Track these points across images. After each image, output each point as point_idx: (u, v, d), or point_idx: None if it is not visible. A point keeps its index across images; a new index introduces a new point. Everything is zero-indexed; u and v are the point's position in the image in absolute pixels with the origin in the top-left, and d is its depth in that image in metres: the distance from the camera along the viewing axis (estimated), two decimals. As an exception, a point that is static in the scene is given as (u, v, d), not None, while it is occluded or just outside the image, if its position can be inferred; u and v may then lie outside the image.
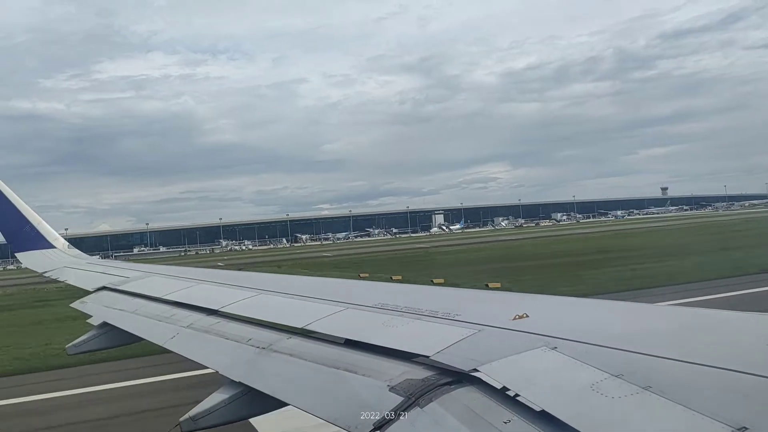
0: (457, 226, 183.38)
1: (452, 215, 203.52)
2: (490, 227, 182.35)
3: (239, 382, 3.73)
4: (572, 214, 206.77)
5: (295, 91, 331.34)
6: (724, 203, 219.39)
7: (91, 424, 12.77)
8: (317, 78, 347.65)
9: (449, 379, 2.75)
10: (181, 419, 3.69)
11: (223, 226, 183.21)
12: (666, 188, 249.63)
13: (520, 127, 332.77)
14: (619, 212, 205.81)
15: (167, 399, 13.04)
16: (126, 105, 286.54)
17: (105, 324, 6.42)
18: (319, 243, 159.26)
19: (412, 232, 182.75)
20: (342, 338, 3.73)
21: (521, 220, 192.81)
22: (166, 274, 8.05)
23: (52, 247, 11.79)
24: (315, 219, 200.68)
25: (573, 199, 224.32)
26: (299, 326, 4.09)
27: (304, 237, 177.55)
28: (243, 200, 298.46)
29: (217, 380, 4.02)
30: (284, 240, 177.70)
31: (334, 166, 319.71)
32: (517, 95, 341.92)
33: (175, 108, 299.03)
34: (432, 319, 3.54)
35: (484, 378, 2.63)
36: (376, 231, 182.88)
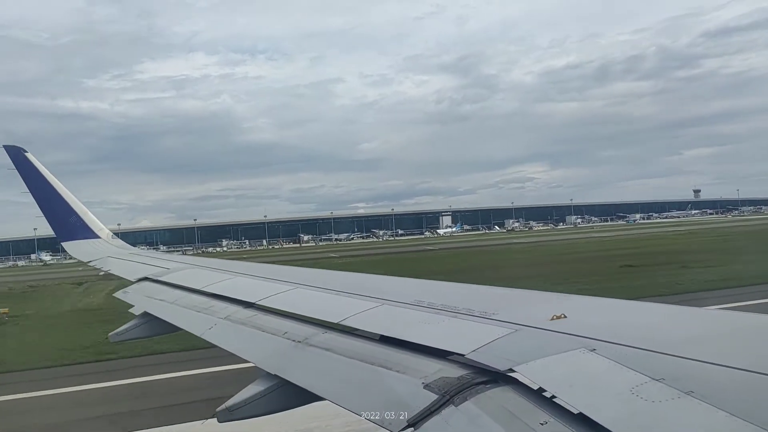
0: (452, 229, 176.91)
1: (462, 216, 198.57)
2: (497, 229, 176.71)
3: (275, 375, 3.76)
4: (586, 217, 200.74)
5: (332, 91, 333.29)
6: (752, 207, 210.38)
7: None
8: (354, 77, 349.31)
9: (485, 379, 2.73)
10: (218, 409, 3.75)
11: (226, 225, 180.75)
12: (699, 190, 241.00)
13: (559, 127, 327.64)
14: (637, 216, 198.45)
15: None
16: (167, 104, 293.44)
17: (146, 314, 6.58)
18: (297, 245, 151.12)
19: (420, 234, 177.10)
20: (377, 334, 3.74)
21: (514, 224, 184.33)
22: (205, 266, 8.20)
23: (96, 237, 12.12)
24: (315, 219, 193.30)
25: (591, 201, 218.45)
26: (335, 321, 4.12)
27: (305, 237, 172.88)
28: (280, 198, 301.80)
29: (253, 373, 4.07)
30: (264, 242, 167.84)
31: (370, 165, 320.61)
32: (556, 95, 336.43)
33: (214, 107, 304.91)
34: (468, 318, 3.53)
35: (521, 378, 2.60)
36: (381, 232, 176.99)
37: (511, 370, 2.66)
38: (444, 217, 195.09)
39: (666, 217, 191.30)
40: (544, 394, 2.47)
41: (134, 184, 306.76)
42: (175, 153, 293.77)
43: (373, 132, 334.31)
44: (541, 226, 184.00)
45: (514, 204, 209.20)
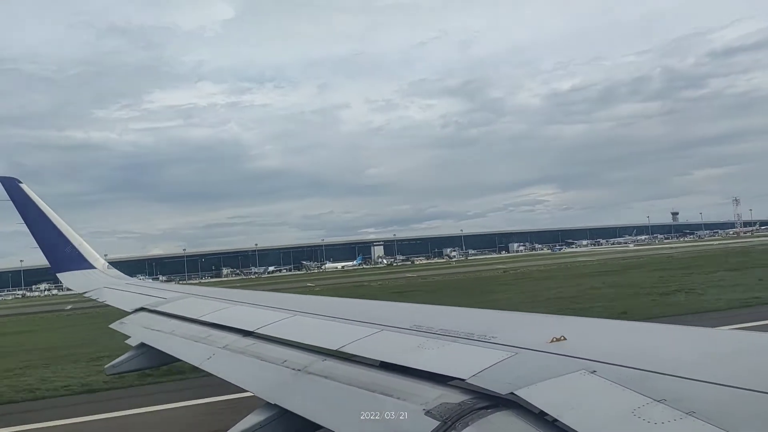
0: (352, 263, 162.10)
1: (396, 246, 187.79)
2: (444, 258, 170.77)
3: (274, 404, 3.74)
4: (527, 244, 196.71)
5: (338, 117, 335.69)
6: (708, 231, 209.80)
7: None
8: (360, 103, 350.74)
9: (486, 403, 2.72)
10: None
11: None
12: (677, 213, 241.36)
13: (568, 149, 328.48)
14: (584, 242, 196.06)
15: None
16: (175, 133, 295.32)
17: (143, 344, 6.53)
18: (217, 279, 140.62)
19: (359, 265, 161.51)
20: (377, 360, 3.72)
21: (452, 252, 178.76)
22: (202, 295, 8.16)
23: (92, 267, 12.06)
24: (236, 252, 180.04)
25: (533, 228, 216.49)
26: (334, 348, 4.10)
27: (225, 271, 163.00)
28: (289, 225, 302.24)
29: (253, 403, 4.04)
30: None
31: (378, 190, 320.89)
32: (563, 117, 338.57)
33: (221, 135, 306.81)
34: (468, 342, 3.51)
35: (522, 402, 2.59)
36: (311, 264, 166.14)
37: (513, 394, 2.64)
38: (375, 247, 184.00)
39: (612, 244, 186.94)
40: (545, 417, 2.46)
41: (144, 213, 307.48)
42: (184, 181, 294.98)
43: (381, 157, 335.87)
44: (481, 253, 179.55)
45: (462, 232, 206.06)
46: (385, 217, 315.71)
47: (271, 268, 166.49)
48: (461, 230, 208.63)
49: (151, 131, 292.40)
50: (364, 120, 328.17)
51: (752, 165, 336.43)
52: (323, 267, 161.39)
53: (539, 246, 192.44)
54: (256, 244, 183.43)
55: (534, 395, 2.57)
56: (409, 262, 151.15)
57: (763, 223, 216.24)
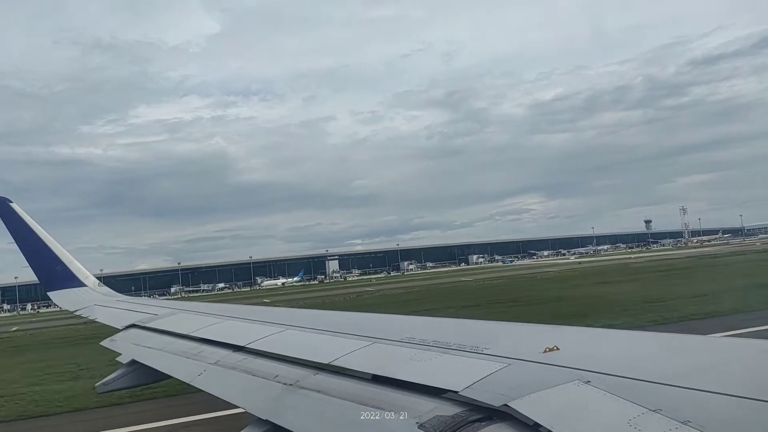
0: (293, 279, 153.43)
1: (354, 260, 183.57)
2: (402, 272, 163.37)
3: (266, 420, 3.69)
4: (485, 256, 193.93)
5: (323, 129, 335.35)
6: (671, 240, 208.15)
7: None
8: (345, 115, 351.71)
9: (480, 416, 2.69)
10: None
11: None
12: (649, 221, 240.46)
13: (553, 158, 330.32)
14: (545, 253, 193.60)
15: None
16: (161, 148, 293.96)
17: (134, 362, 6.46)
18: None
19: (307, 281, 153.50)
20: (369, 374, 3.69)
21: (410, 266, 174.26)
22: (193, 311, 8.10)
23: (83, 285, 11.99)
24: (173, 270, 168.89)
25: (494, 239, 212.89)
26: (326, 362, 4.06)
27: (173, 288, 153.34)
28: (275, 237, 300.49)
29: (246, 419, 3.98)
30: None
31: (365, 201, 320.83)
32: (547, 126, 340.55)
33: (207, 149, 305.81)
34: (460, 353, 3.49)
35: (516, 414, 2.56)
36: (260, 280, 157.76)
37: (506, 406, 2.62)
38: (330, 262, 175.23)
39: (573, 254, 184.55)
40: (540, 429, 2.43)
41: (131, 228, 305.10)
42: (171, 195, 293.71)
43: (367, 169, 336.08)
44: (442, 266, 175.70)
45: (422, 245, 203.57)
46: (372, 228, 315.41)
47: (220, 285, 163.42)
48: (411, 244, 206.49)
49: (137, 146, 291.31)
50: (349, 132, 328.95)
51: (735, 172, 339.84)
52: (262, 284, 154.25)
53: (499, 258, 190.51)
54: (178, 263, 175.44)
55: (528, 407, 2.54)
56: (366, 277, 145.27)
57: (726, 231, 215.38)
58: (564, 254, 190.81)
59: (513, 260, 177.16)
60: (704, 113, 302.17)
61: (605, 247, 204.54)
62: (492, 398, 2.72)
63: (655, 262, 76.43)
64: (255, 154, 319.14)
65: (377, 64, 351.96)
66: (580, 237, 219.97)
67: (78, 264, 12.37)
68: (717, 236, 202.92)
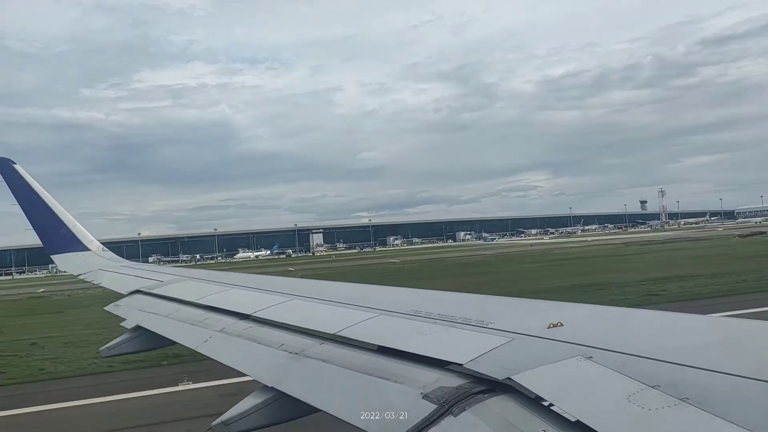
0: (266, 252, 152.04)
1: (338, 234, 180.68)
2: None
3: (271, 387, 3.76)
4: (473, 233, 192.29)
5: (331, 100, 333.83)
6: (658, 221, 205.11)
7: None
8: (353, 86, 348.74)
9: (483, 388, 2.74)
10: (213, 423, 3.74)
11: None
12: (645, 201, 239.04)
13: (561, 135, 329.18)
14: (533, 231, 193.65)
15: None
16: (164, 114, 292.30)
17: (138, 327, 6.53)
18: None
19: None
20: (375, 345, 3.74)
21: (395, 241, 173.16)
22: (198, 278, 8.16)
23: (87, 249, 12.01)
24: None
25: (484, 216, 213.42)
26: (332, 332, 4.11)
27: None
28: (281, 208, 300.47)
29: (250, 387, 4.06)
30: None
31: (371, 174, 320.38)
32: (556, 103, 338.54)
33: (212, 117, 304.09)
34: (465, 327, 3.54)
35: (518, 387, 2.62)
36: (242, 251, 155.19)
37: (509, 379, 2.67)
38: (314, 235, 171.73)
39: (561, 233, 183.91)
40: (542, 402, 2.49)
41: (134, 195, 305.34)
42: (175, 163, 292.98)
43: (374, 141, 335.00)
44: (424, 243, 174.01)
45: (409, 220, 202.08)
46: (378, 201, 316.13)
47: (198, 256, 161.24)
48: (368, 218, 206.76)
49: (140, 111, 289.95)
50: (357, 103, 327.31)
51: (742, 153, 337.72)
52: (234, 256, 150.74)
53: (486, 235, 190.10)
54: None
55: (530, 380, 2.60)
56: (355, 250, 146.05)
57: (714, 213, 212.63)
58: (552, 233, 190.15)
59: (495, 239, 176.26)
60: (713, 94, 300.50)
61: (593, 227, 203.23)
62: (495, 371, 2.77)
63: (581, 249, 78.41)
64: (261, 123, 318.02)
65: (386, 34, 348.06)
66: (573, 216, 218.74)
67: (82, 228, 12.38)
68: (705, 218, 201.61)
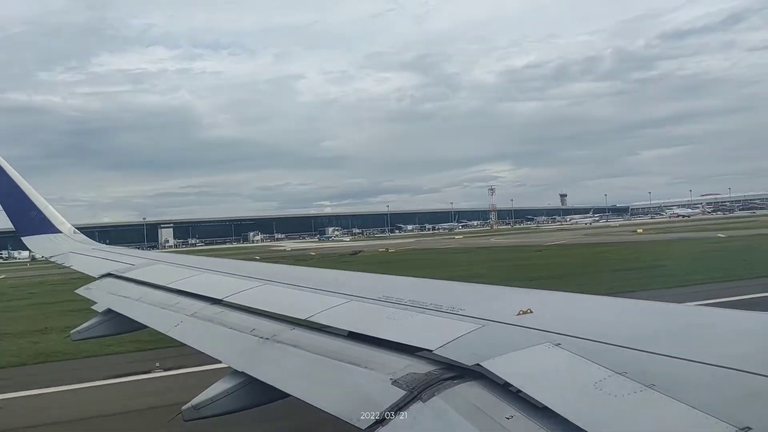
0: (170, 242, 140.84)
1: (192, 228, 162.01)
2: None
3: (242, 372, 3.74)
4: (341, 228, 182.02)
5: (293, 87, 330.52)
6: (544, 218, 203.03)
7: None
8: (315, 74, 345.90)
9: (452, 374, 2.76)
10: (183, 408, 3.71)
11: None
12: (564, 195, 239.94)
13: (522, 126, 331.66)
14: (409, 227, 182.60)
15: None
16: (124, 99, 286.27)
17: (109, 311, 6.45)
18: None
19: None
20: (346, 331, 3.74)
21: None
22: (171, 263, 8.08)
23: (58, 231, 11.85)
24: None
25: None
26: (303, 318, 4.10)
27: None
28: (243, 196, 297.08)
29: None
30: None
31: (334, 162, 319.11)
32: (517, 94, 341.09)
33: (173, 102, 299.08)
34: (436, 313, 3.54)
35: (487, 373, 2.63)
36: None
37: (479, 365, 2.68)
38: (163, 230, 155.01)
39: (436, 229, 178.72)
40: (510, 388, 2.50)
41: (94, 181, 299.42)
42: (135, 149, 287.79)
43: (336, 129, 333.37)
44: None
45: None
46: (341, 190, 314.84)
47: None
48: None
49: (99, 96, 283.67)
50: (320, 91, 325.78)
51: (701, 146, 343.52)
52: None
53: (429, 226, 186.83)
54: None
55: (499, 367, 2.61)
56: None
57: (597, 210, 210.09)
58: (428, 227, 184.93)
59: (331, 237, 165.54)
60: (671, 88, 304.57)
61: (475, 222, 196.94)
62: (465, 357, 2.79)
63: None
64: (222, 110, 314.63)
65: (349, 22, 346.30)
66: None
67: (53, 210, 12.20)
68: (588, 215, 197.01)
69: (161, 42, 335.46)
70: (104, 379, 14.11)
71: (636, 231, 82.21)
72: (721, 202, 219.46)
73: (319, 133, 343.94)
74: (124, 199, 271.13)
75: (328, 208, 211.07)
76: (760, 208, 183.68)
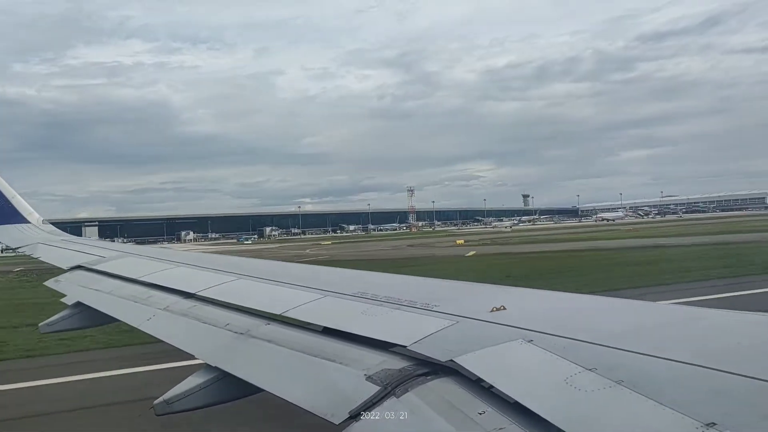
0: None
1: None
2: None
3: (215, 367, 3.71)
4: (360, 226, 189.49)
5: (273, 83, 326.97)
6: (492, 219, 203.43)
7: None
8: (296, 70, 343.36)
9: (426, 370, 2.77)
10: (155, 402, 3.67)
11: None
12: (527, 196, 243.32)
13: (503, 126, 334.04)
14: (352, 227, 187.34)
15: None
16: (99, 92, 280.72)
17: (79, 304, 6.35)
18: None
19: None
20: (320, 326, 3.73)
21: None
22: (143, 255, 7.97)
23: (26, 222, 11.59)
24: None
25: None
26: (277, 313, 4.08)
27: None
28: (222, 192, 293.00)
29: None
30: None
31: (315, 159, 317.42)
32: (498, 93, 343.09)
33: (150, 96, 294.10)
34: (410, 309, 3.56)
35: (460, 369, 2.65)
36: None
37: (452, 361, 2.70)
38: (87, 228, 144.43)
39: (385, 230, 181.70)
40: (482, 384, 2.53)
41: (69, 175, 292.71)
42: (112, 143, 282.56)
43: (317, 126, 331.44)
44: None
45: (300, 210, 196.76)
46: (321, 187, 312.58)
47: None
48: (299, 207, 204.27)
49: (74, 88, 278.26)
50: (300, 87, 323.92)
51: (679, 147, 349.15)
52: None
53: (372, 227, 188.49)
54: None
55: (472, 363, 2.64)
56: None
57: (543, 212, 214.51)
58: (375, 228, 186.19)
59: (248, 239, 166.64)
60: (650, 89, 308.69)
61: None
62: (438, 353, 2.81)
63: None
64: (201, 105, 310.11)
65: (330, 18, 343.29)
66: (461, 210, 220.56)
67: (21, 199, 11.91)
68: (535, 216, 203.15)
69: (139, 35, 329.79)
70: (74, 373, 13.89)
71: (455, 242, 72.22)
72: (639, 207, 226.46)
73: (299, 130, 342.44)
74: (102, 194, 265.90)
75: (309, 206, 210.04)
76: (703, 211, 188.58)
